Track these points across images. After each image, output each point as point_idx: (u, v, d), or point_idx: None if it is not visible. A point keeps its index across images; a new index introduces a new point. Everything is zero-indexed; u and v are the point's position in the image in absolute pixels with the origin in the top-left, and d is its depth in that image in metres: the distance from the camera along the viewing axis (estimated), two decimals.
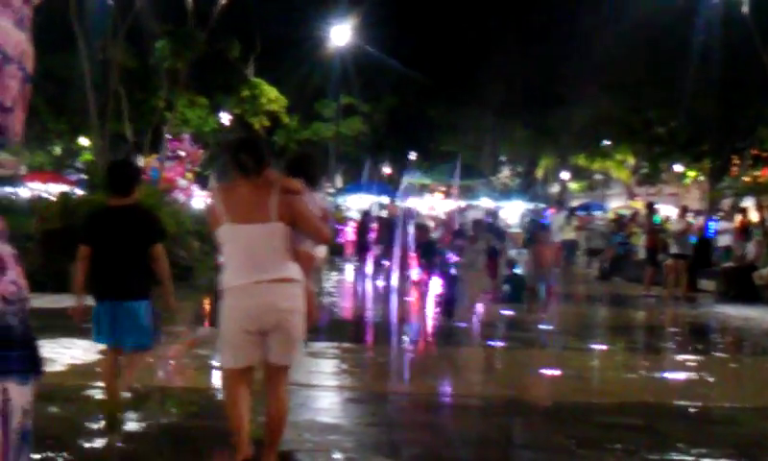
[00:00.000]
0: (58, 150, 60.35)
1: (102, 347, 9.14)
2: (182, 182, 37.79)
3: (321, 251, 8.22)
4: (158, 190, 27.36)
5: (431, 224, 26.40)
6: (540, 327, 16.62)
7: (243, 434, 6.62)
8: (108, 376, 8.46)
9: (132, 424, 8.44)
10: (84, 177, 32.90)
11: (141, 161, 36.22)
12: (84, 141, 53.80)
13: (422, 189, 52.16)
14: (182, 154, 38.08)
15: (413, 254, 19.39)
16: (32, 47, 2.74)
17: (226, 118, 54.75)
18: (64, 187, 34.56)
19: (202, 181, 51.70)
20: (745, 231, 26.27)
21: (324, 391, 10.13)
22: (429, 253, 19.11)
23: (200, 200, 36.38)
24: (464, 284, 17.60)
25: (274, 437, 6.82)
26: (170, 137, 37.60)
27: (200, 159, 42.86)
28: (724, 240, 28.81)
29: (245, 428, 6.64)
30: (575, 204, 61.07)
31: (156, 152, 37.92)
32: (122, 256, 8.27)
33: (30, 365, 2.67)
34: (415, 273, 19.60)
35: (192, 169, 39.99)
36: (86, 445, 7.74)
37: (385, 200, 41.05)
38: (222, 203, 6.61)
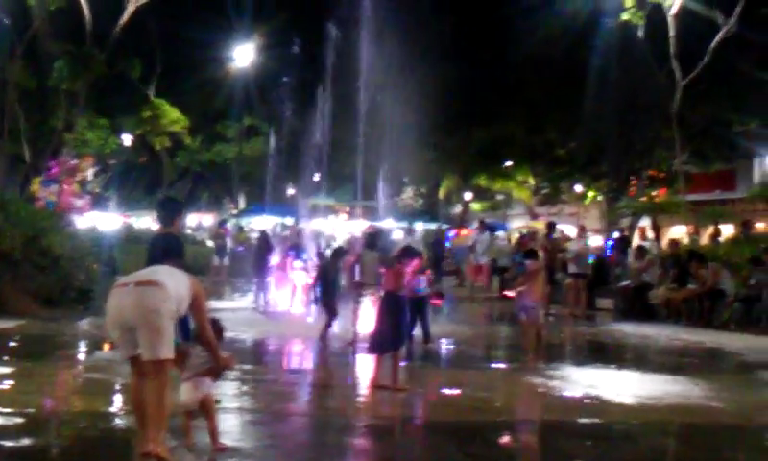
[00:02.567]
0: None
1: None
2: (78, 202, 37.31)
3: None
4: (54, 214, 26.93)
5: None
6: (441, 345, 16.69)
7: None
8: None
9: (26, 450, 8.30)
10: None
11: (35, 186, 35.63)
12: None
13: (327, 210, 52.14)
14: (61, 175, 37.43)
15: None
16: None
17: (128, 139, 54.12)
18: None
19: (102, 201, 51.01)
20: (641, 251, 26.76)
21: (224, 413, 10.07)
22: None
23: (104, 219, 35.91)
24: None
25: None
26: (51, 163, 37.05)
27: (81, 169, 42.21)
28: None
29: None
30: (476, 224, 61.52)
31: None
32: None
33: None
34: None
35: (75, 181, 39.36)
36: None
37: (288, 221, 40.99)
38: None
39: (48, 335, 16.71)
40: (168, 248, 9.66)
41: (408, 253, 13.09)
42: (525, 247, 29.11)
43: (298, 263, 22.92)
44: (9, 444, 8.40)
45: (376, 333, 12.39)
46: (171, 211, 10.41)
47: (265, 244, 25.24)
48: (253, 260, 25.35)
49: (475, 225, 56.99)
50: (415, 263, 13.01)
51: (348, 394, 12.16)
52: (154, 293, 7.75)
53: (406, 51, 35.70)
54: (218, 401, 9.95)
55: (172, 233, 10.22)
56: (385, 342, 12.24)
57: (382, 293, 12.64)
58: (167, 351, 7.79)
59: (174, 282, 7.93)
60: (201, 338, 8.30)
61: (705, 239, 30.73)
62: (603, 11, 34.16)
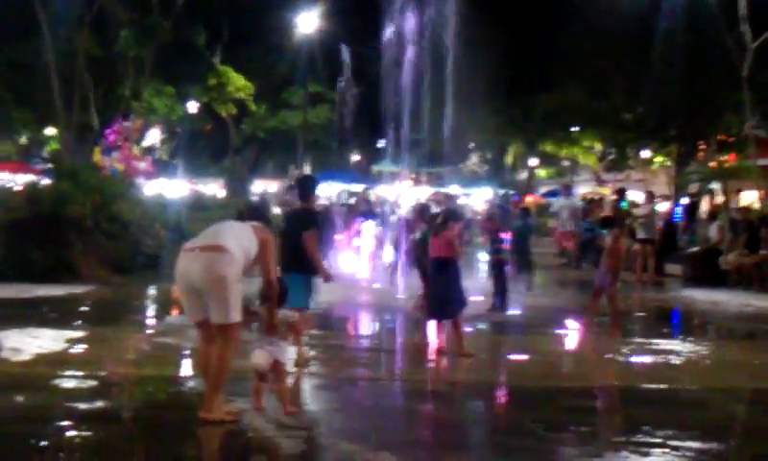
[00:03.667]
0: (24, 140, 59.83)
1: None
2: (141, 165, 37.60)
3: None
4: (121, 181, 27.18)
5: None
6: (509, 313, 16.60)
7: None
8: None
9: (100, 412, 8.42)
10: (50, 166, 32.61)
11: (96, 156, 35.94)
12: (49, 131, 53.34)
13: (392, 176, 52.11)
14: (120, 139, 37.68)
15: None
16: None
17: (193, 106, 54.44)
18: (31, 177, 34.21)
19: (169, 168, 51.46)
20: (713, 216, 26.41)
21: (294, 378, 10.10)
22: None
23: (171, 186, 36.09)
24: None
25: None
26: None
27: (138, 130, 42.52)
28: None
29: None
30: (543, 190, 61.22)
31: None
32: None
33: None
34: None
35: (134, 145, 39.70)
36: (52, 433, 7.68)
37: (355, 188, 41.01)
38: None
39: (118, 300, 16.94)
40: (305, 219, 11.20)
41: (453, 216, 13.02)
42: (592, 213, 28.90)
43: (367, 227, 22.89)
44: (82, 406, 8.53)
45: (432, 300, 12.36)
46: (309, 187, 11.73)
47: (327, 219, 25.30)
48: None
49: (541, 191, 56.74)
50: (459, 227, 12.96)
51: (414, 359, 12.15)
52: (219, 258, 7.88)
53: (471, 17, 35.47)
54: (308, 361, 10.10)
55: (308, 207, 11.51)
56: (440, 308, 12.21)
57: (431, 259, 12.52)
58: (235, 315, 7.95)
59: (237, 239, 8.09)
60: (264, 285, 8.40)
61: None
62: None
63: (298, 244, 10.95)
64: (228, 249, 7.94)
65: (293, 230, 11.21)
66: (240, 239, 8.11)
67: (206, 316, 8.02)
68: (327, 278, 11.38)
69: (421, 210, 16.12)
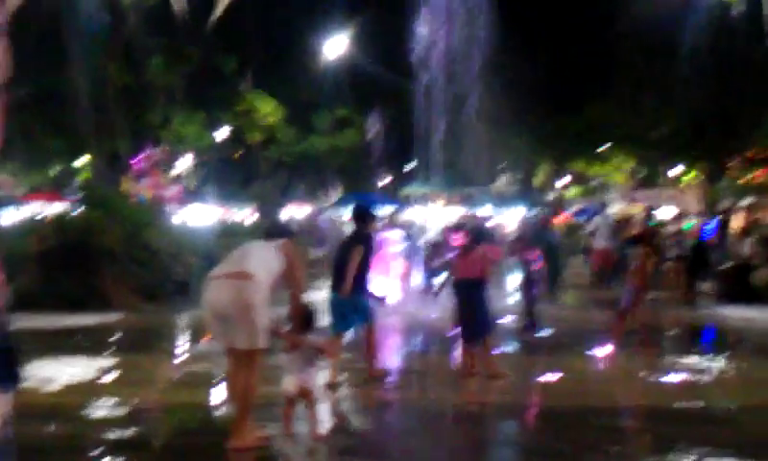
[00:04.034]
0: (55, 171, 60.25)
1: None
2: (168, 193, 37.85)
3: None
4: (150, 209, 27.35)
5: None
6: (540, 333, 16.53)
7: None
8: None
9: (131, 440, 8.46)
10: (81, 196, 32.86)
11: (125, 184, 36.21)
12: (80, 161, 53.69)
13: (422, 198, 52.12)
14: (147, 166, 38.03)
15: None
16: (6, 55, 2.72)
17: (221, 133, 54.75)
18: (64, 206, 34.45)
19: (200, 195, 51.71)
20: (746, 232, 26.23)
21: (323, 402, 10.11)
22: None
23: (203, 212, 36.17)
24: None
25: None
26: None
27: (166, 156, 42.87)
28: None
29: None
30: (574, 208, 61.00)
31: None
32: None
33: (8, 374, 2.66)
34: None
35: (163, 171, 40.04)
36: None
37: (387, 210, 41.07)
38: None
39: (149, 328, 17.03)
40: (355, 238, 11.97)
41: (482, 236, 13.02)
42: (622, 233, 28.76)
43: (396, 250, 22.84)
44: (113, 435, 8.57)
45: (461, 323, 12.33)
46: (365, 215, 12.39)
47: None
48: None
49: (574, 209, 56.50)
50: (489, 248, 12.93)
51: (444, 382, 12.12)
52: (245, 286, 7.97)
53: (501, 38, 35.54)
54: (335, 386, 10.13)
55: (362, 232, 12.15)
56: (470, 331, 12.18)
57: (455, 280, 12.51)
58: (260, 341, 8.03)
59: (262, 260, 8.19)
60: (291, 301, 8.45)
61: None
62: None
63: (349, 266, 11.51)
64: (254, 275, 8.01)
65: (344, 254, 11.74)
66: (264, 260, 8.20)
67: (234, 342, 8.09)
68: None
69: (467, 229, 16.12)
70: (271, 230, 8.84)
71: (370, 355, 11.88)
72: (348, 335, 12.38)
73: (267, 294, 8.09)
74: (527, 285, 16.72)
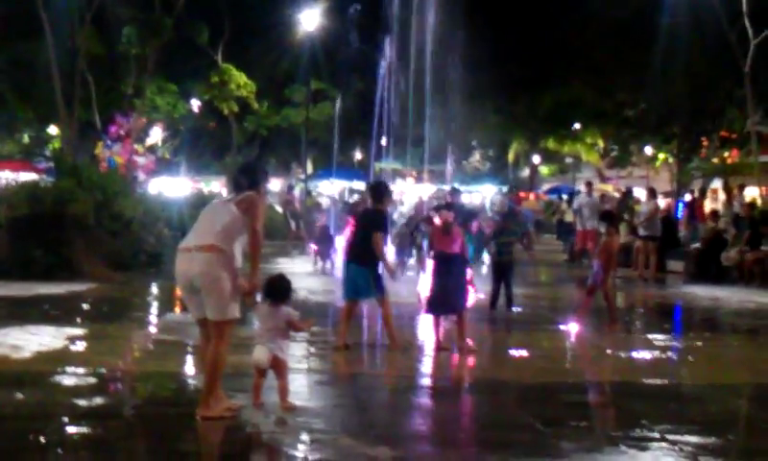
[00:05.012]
0: (26, 138, 59.83)
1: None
2: (141, 160, 37.72)
3: None
4: (123, 178, 27.22)
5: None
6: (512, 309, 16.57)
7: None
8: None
9: (100, 409, 8.46)
10: (52, 165, 32.64)
11: (98, 148, 36.03)
12: (52, 130, 53.35)
13: (394, 174, 52.11)
14: (122, 133, 37.86)
15: None
16: None
17: (196, 104, 54.50)
18: (34, 176, 34.20)
19: (172, 166, 51.49)
20: (715, 214, 26.41)
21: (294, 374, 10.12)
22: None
23: (174, 184, 36.04)
24: None
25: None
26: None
27: (142, 127, 42.66)
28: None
29: None
30: (546, 187, 61.30)
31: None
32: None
33: None
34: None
35: (137, 139, 39.86)
36: (52, 430, 7.69)
37: (357, 185, 41.12)
38: None
39: (120, 298, 16.97)
40: (377, 220, 12.32)
41: (469, 214, 13.13)
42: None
43: None
44: (82, 403, 8.55)
45: (431, 295, 12.37)
46: (382, 192, 12.80)
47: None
48: (319, 229, 25.26)
49: (543, 189, 56.80)
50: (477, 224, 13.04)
51: (415, 355, 12.16)
52: (214, 258, 7.95)
53: (475, 14, 35.52)
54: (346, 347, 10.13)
55: (381, 209, 12.62)
56: (439, 303, 12.22)
57: (435, 254, 12.56)
58: (230, 312, 8.03)
59: (225, 226, 8.08)
60: (250, 241, 8.25)
61: None
62: None
63: (367, 240, 12.11)
64: (221, 247, 7.97)
65: (364, 228, 12.43)
66: (228, 226, 8.08)
67: (205, 314, 8.10)
68: (392, 273, 12.93)
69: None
70: (237, 179, 8.57)
71: (388, 327, 12.30)
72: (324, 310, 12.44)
73: (236, 261, 8.04)
74: (504, 265, 16.63)
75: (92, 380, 9.56)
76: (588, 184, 29.51)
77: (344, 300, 12.58)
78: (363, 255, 12.21)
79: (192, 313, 8.37)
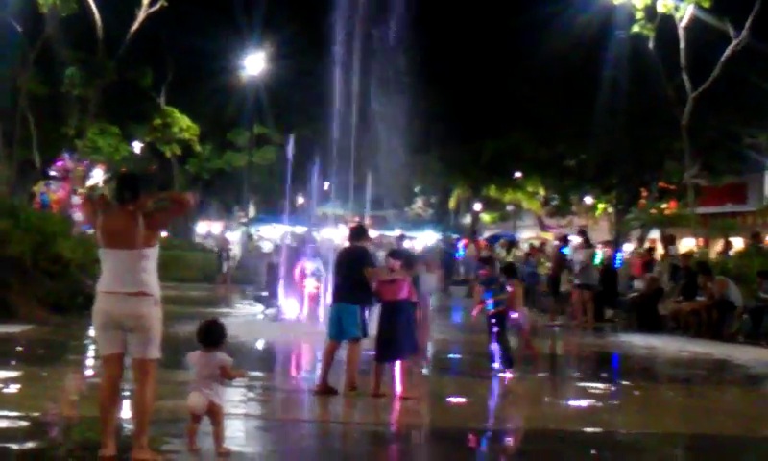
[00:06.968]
0: None
1: None
2: (75, 199, 37.51)
3: None
4: (64, 219, 26.97)
5: None
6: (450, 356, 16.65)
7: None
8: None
9: (32, 453, 8.35)
10: None
11: (36, 187, 35.78)
12: None
13: (337, 220, 52.12)
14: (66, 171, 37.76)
15: None
16: None
17: (138, 147, 54.22)
18: None
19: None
20: (646, 265, 26.73)
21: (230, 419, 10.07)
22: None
23: None
24: None
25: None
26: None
27: (83, 172, 42.46)
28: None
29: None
30: (487, 234, 61.56)
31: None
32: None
33: None
34: None
35: (79, 184, 39.66)
36: None
37: (299, 229, 41.09)
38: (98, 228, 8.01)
39: (55, 340, 16.79)
40: (356, 257, 12.54)
41: (414, 260, 13.22)
42: (534, 257, 29.12)
43: (310, 268, 22.76)
44: (14, 447, 8.44)
45: (378, 341, 12.37)
46: (361, 232, 13.27)
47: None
48: (266, 270, 25.27)
49: (485, 236, 56.94)
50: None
51: (353, 402, 12.14)
52: (144, 302, 7.93)
53: (416, 63, 35.76)
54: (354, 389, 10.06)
55: (361, 246, 12.87)
56: (387, 351, 12.23)
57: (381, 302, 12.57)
58: (156, 352, 8.04)
59: (142, 255, 7.96)
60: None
61: (715, 252, 30.70)
62: (613, 23, 34.03)
63: (353, 279, 12.29)
64: (151, 291, 7.96)
65: (349, 267, 12.54)
66: (145, 252, 7.99)
67: (118, 350, 8.07)
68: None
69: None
70: (124, 186, 8.29)
71: (351, 371, 12.17)
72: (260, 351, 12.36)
73: (159, 313, 8.06)
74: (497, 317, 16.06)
75: (25, 424, 9.43)
76: (582, 232, 28.76)
77: (327, 339, 12.59)
78: (351, 294, 12.27)
79: (102, 348, 8.21)
